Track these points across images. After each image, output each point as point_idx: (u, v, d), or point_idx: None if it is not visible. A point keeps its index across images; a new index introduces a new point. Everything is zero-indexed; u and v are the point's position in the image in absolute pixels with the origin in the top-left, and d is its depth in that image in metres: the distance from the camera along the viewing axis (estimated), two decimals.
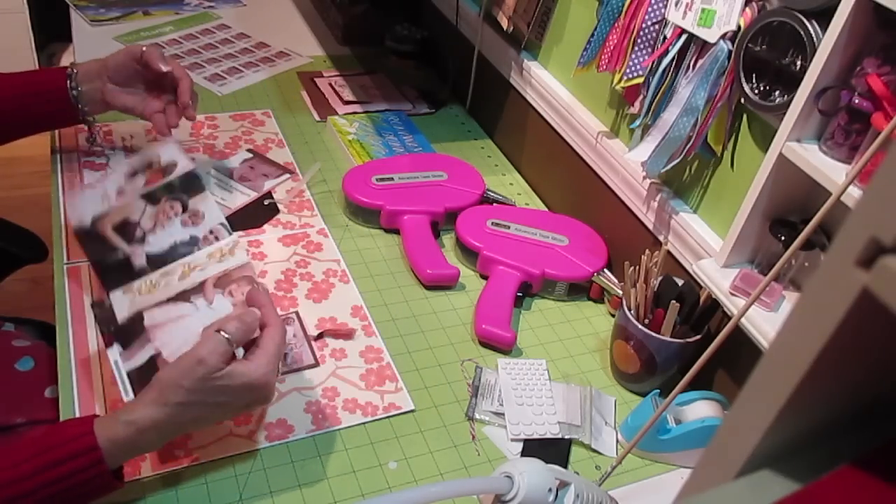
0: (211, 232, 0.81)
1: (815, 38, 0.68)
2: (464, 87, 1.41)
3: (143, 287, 0.76)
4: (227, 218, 1.03)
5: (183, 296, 0.75)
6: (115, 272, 0.80)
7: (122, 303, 0.76)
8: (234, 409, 0.70)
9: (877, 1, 0.61)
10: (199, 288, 0.76)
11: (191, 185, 0.84)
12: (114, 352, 0.73)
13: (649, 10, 0.87)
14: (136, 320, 0.74)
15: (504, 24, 1.21)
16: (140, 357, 0.72)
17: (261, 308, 0.72)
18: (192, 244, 0.80)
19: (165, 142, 0.90)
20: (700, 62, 0.82)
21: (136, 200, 0.83)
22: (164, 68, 0.97)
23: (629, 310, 0.87)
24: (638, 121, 0.93)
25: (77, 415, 0.76)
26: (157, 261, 0.80)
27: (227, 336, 0.67)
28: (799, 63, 0.71)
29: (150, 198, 0.84)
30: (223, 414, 0.70)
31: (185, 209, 0.83)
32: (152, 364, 0.72)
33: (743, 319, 0.76)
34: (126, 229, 0.83)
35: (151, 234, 0.82)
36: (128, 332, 0.74)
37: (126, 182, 0.85)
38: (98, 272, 0.85)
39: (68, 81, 0.97)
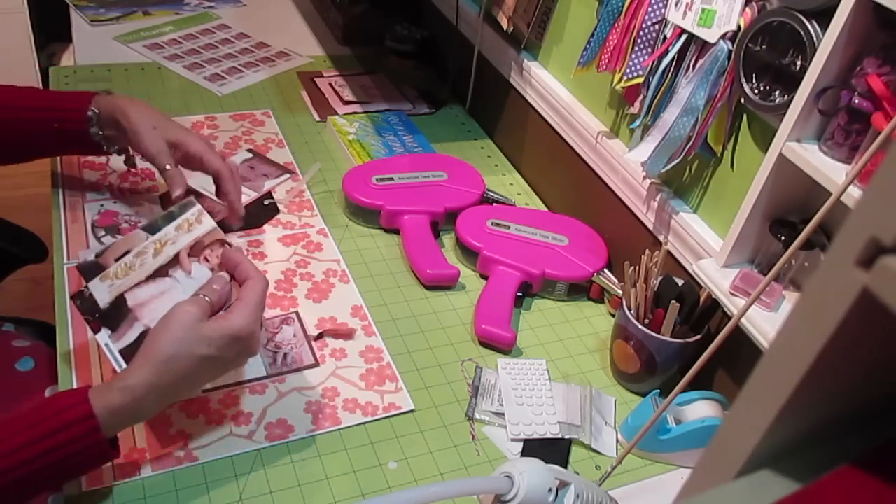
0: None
1: (815, 38, 0.68)
2: (464, 87, 1.41)
3: (118, 271, 0.76)
4: (228, 218, 1.04)
5: (160, 272, 0.76)
6: (91, 267, 0.80)
7: (102, 289, 0.76)
8: (223, 363, 0.70)
9: (877, 1, 0.61)
10: (175, 261, 0.76)
11: (187, 209, 0.82)
12: (103, 335, 0.73)
13: (649, 10, 0.87)
14: (120, 303, 0.74)
15: (504, 24, 1.21)
16: (130, 335, 0.73)
17: (238, 265, 0.73)
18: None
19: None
20: (700, 62, 0.82)
21: (136, 232, 0.82)
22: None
23: (629, 310, 0.87)
24: (638, 121, 0.93)
25: None
26: None
27: (204, 296, 0.69)
28: (799, 63, 0.71)
29: (152, 229, 0.82)
30: (214, 370, 0.70)
31: None
32: (143, 339, 0.72)
33: (743, 319, 0.76)
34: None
35: None
36: (113, 316, 0.74)
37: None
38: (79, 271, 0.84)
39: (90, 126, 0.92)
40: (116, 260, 0.78)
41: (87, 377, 0.80)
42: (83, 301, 0.76)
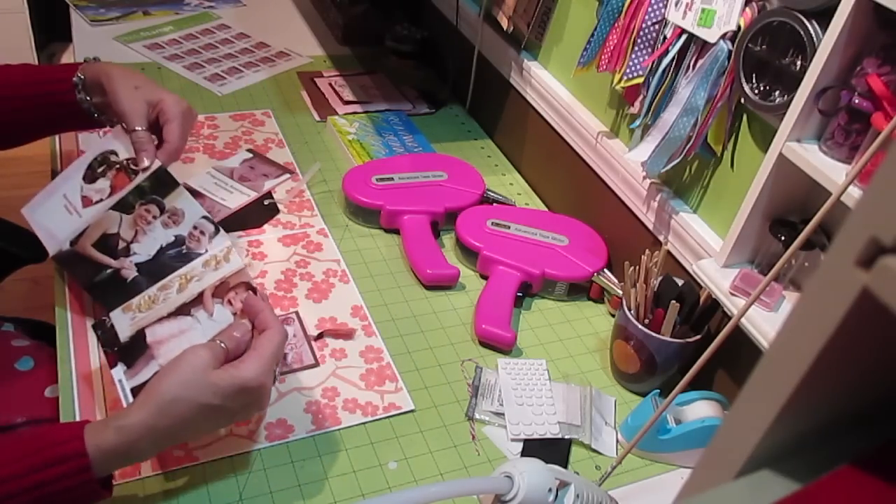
0: (195, 227, 0.79)
1: (815, 38, 0.68)
2: (464, 87, 1.41)
3: (142, 303, 0.75)
4: (227, 218, 1.04)
5: (183, 309, 0.74)
6: (110, 290, 0.79)
7: (123, 321, 0.75)
8: (227, 415, 0.68)
9: (877, 1, 0.61)
10: (199, 300, 0.74)
11: (161, 183, 0.81)
12: (118, 371, 0.72)
13: (649, 10, 0.87)
14: (139, 338, 0.73)
15: (504, 24, 1.21)
16: (145, 373, 0.71)
17: (258, 313, 0.70)
18: (179, 244, 0.79)
19: (113, 134, 0.85)
20: (700, 62, 0.82)
21: (108, 212, 0.81)
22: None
23: (629, 310, 0.87)
24: (638, 121, 0.93)
25: (77, 415, 0.76)
26: (149, 269, 0.79)
27: (220, 342, 0.67)
28: (799, 63, 0.71)
29: (123, 206, 0.82)
30: (217, 420, 0.68)
31: (162, 210, 0.80)
32: None
33: (743, 319, 0.76)
34: (107, 244, 0.81)
35: (135, 243, 0.80)
36: (131, 351, 0.73)
37: (87, 187, 0.83)
38: (93, 295, 0.84)
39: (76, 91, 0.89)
40: (94, 247, 0.78)
41: (87, 377, 0.80)
42: (104, 332, 0.75)
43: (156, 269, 0.79)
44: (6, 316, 1.06)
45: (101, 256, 0.81)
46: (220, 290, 0.75)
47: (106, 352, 0.74)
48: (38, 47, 2.35)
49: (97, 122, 0.92)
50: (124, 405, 0.70)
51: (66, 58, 2.41)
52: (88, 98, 0.89)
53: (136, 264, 0.79)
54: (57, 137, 1.13)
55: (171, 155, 0.84)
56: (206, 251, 0.78)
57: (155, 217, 0.80)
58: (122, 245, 0.81)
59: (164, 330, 0.73)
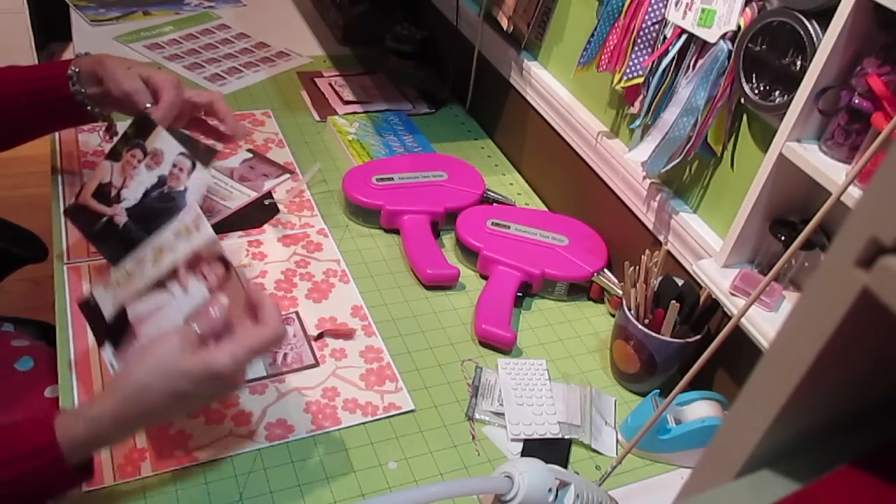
0: (174, 165, 0.83)
1: (815, 38, 0.68)
2: (464, 87, 1.41)
3: (119, 278, 0.77)
4: (227, 218, 1.04)
5: (159, 284, 0.75)
6: (107, 239, 0.84)
7: (106, 299, 0.76)
8: (198, 399, 0.68)
9: (877, 1, 0.61)
10: (174, 274, 0.75)
11: (143, 127, 0.86)
12: (107, 352, 0.74)
13: (649, 10, 0.87)
14: (122, 317, 0.74)
15: (504, 24, 1.21)
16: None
17: (261, 308, 0.69)
18: (161, 184, 0.83)
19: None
20: (700, 62, 0.82)
21: (102, 162, 0.87)
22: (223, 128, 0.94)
23: (629, 310, 0.87)
24: (638, 121, 0.93)
25: None
26: (136, 214, 0.84)
27: (194, 325, 0.67)
28: (799, 63, 0.71)
29: (114, 155, 0.87)
30: (187, 405, 0.68)
31: (145, 153, 0.85)
32: None
33: (743, 319, 0.76)
34: (103, 192, 0.87)
35: (125, 189, 0.85)
36: (117, 331, 0.74)
37: None
38: (95, 246, 0.90)
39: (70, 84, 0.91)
40: (94, 197, 0.84)
41: (87, 377, 0.80)
42: (90, 311, 0.77)
43: (142, 213, 0.83)
44: (6, 316, 1.06)
45: (98, 205, 0.87)
46: (194, 264, 0.75)
47: (93, 328, 0.75)
48: (38, 47, 2.35)
49: (91, 116, 0.94)
50: None
51: (66, 58, 2.41)
52: (83, 90, 0.92)
53: (126, 210, 0.84)
54: (57, 138, 1.13)
55: (165, 112, 0.88)
56: (186, 188, 0.82)
57: (139, 161, 0.85)
58: (114, 192, 0.86)
59: (144, 307, 0.74)
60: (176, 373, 0.63)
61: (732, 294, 0.80)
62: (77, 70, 0.91)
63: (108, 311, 0.75)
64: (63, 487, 0.65)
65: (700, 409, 0.82)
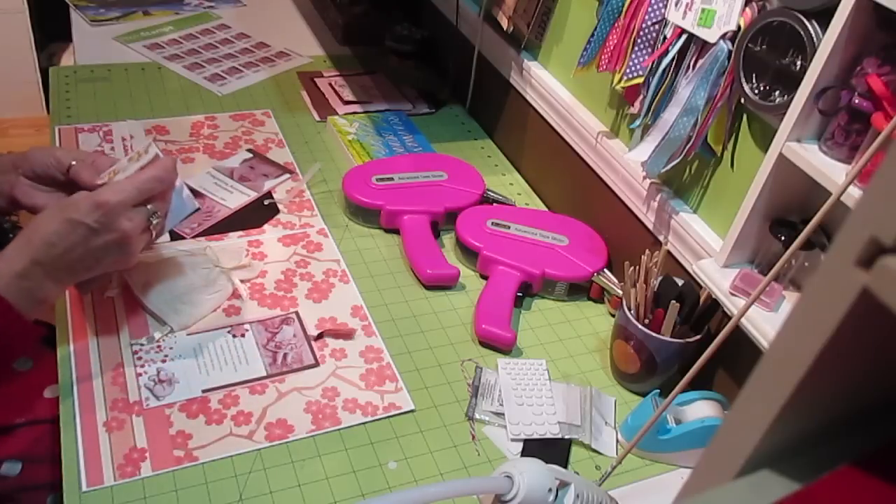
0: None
1: (815, 38, 0.68)
2: (464, 87, 1.41)
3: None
4: (227, 218, 1.04)
5: None
6: None
7: None
8: (92, 234, 0.72)
9: (877, 1, 0.61)
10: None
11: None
12: None
13: (649, 10, 0.87)
14: None
15: (504, 24, 1.21)
16: None
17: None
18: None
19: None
20: (700, 62, 0.82)
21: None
22: (99, 181, 0.79)
23: (629, 310, 0.87)
24: (638, 121, 0.93)
25: (77, 415, 0.76)
26: None
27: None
28: (799, 63, 0.71)
29: None
30: (86, 240, 0.72)
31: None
32: None
33: (743, 319, 0.76)
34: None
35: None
36: None
37: None
38: None
39: None
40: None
41: (87, 377, 0.80)
42: None
43: None
44: None
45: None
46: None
47: None
48: (38, 47, 2.35)
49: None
50: None
51: (66, 58, 2.40)
52: None
53: None
54: (58, 140, 1.13)
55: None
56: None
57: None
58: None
59: None
60: (65, 206, 0.72)
61: (732, 294, 0.80)
62: None
63: None
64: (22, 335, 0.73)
65: (700, 409, 0.82)
